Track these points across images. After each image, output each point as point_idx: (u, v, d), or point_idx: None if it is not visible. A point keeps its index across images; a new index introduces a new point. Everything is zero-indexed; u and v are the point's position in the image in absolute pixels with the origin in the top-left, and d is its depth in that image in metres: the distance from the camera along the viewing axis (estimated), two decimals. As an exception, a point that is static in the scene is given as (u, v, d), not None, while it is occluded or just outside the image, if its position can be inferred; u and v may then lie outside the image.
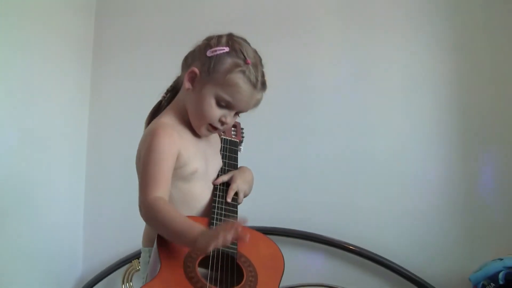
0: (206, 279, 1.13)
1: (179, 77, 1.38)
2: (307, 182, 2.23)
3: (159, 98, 1.41)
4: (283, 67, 2.25)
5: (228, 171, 1.41)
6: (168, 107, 1.37)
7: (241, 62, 1.24)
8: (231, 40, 1.28)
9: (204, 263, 1.17)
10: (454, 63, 2.17)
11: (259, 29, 2.30)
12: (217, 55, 1.25)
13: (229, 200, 1.33)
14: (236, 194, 1.36)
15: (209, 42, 1.29)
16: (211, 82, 1.25)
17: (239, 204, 1.35)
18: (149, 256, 1.29)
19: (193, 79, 1.28)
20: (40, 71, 2.23)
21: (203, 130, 1.31)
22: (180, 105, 1.34)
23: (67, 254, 2.38)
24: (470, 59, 2.15)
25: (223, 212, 1.28)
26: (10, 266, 2.02)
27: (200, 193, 1.32)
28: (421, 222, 2.10)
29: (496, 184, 2.06)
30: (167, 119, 1.31)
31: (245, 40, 1.31)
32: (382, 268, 2.07)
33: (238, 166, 1.45)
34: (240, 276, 1.17)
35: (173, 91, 1.40)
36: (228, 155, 1.45)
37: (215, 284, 1.12)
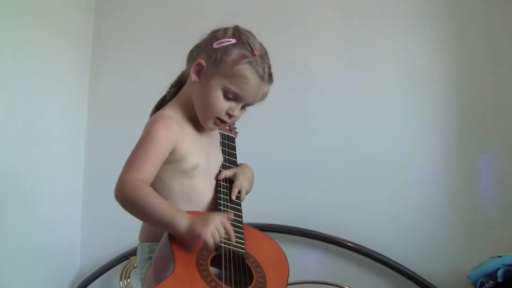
0: (218, 278, 1.12)
1: (183, 71, 1.37)
2: (305, 179, 2.23)
3: (164, 93, 1.40)
4: (282, 63, 2.23)
5: (229, 166, 1.40)
6: (172, 100, 1.36)
7: (248, 53, 1.23)
8: (238, 32, 1.27)
9: (214, 261, 1.16)
10: (453, 61, 2.17)
11: (258, 25, 2.26)
12: (223, 46, 1.24)
13: (233, 197, 1.32)
14: (239, 192, 1.36)
15: (215, 34, 1.28)
16: (218, 73, 1.24)
17: (241, 201, 1.35)
18: (148, 252, 1.28)
19: (199, 71, 1.27)
20: (39, 67, 2.22)
21: (209, 124, 1.30)
22: (185, 98, 1.32)
23: (65, 251, 2.37)
24: (470, 57, 2.16)
25: (228, 210, 1.28)
26: (7, 262, 2.02)
27: (202, 189, 1.31)
28: (420, 219, 2.11)
29: (495, 182, 2.06)
30: (170, 112, 1.30)
31: (251, 33, 1.30)
32: (381, 266, 2.07)
33: (238, 163, 1.45)
34: (249, 276, 1.17)
35: (178, 85, 1.38)
36: (228, 151, 1.45)
37: (230, 284, 1.11)
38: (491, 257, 1.86)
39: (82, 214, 2.47)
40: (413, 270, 2.03)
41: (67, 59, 2.43)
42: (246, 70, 1.22)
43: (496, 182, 2.06)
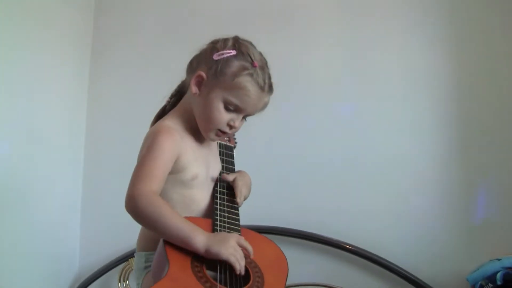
0: (214, 279, 1.12)
1: (184, 81, 1.37)
2: (306, 182, 2.23)
3: (163, 103, 1.40)
4: (281, 65, 2.23)
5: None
6: (172, 111, 1.35)
7: (248, 65, 1.23)
8: (238, 43, 1.27)
9: (210, 264, 1.16)
10: (453, 62, 2.17)
11: (257, 27, 2.30)
12: (224, 58, 1.24)
13: (239, 201, 1.33)
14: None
15: (215, 45, 1.27)
16: (219, 85, 1.24)
17: (238, 207, 1.35)
18: (145, 262, 1.28)
19: (200, 83, 1.27)
20: (38, 67, 2.22)
21: (211, 135, 1.30)
22: (185, 109, 1.32)
23: (64, 252, 2.37)
24: (470, 58, 2.16)
25: (225, 214, 1.28)
26: (6, 264, 2.01)
27: (200, 198, 1.32)
28: (419, 222, 2.10)
29: (495, 184, 2.06)
30: (171, 122, 1.30)
31: (251, 43, 1.30)
32: (380, 268, 2.07)
33: (236, 170, 1.45)
34: (246, 277, 1.17)
35: (178, 95, 1.38)
36: (226, 160, 1.45)
37: (225, 285, 1.12)
38: (490, 260, 1.86)
39: (81, 216, 2.46)
40: (412, 272, 2.03)
41: (67, 60, 2.43)
42: (247, 82, 1.22)
43: (495, 185, 2.06)
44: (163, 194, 1.25)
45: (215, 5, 2.44)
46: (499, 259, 1.83)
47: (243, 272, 1.16)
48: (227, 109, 1.25)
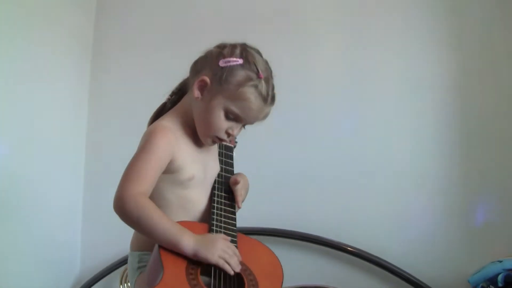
0: (208, 285, 1.12)
1: (186, 79, 1.36)
2: (306, 184, 2.22)
3: (163, 100, 1.39)
4: (282, 69, 2.23)
5: (225, 175, 1.40)
6: (171, 110, 1.35)
7: (253, 75, 1.22)
8: (245, 51, 1.25)
9: (205, 271, 1.16)
10: (453, 64, 2.17)
11: (257, 29, 2.30)
12: (230, 66, 1.23)
13: (240, 205, 1.34)
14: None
15: (222, 51, 1.25)
16: (222, 93, 1.23)
17: (238, 209, 1.35)
18: (138, 262, 1.28)
19: (203, 88, 1.26)
20: (39, 68, 2.22)
21: (208, 141, 1.30)
22: (185, 109, 1.32)
23: (65, 255, 2.37)
24: (469, 60, 2.15)
25: (222, 219, 1.27)
26: (7, 267, 2.01)
27: (197, 199, 1.31)
28: (420, 224, 2.10)
29: (496, 186, 2.06)
30: (168, 123, 1.29)
31: (258, 52, 1.28)
32: (381, 270, 2.07)
33: (235, 172, 1.44)
34: (241, 284, 1.17)
35: (179, 93, 1.38)
36: (225, 160, 1.44)
37: None
38: (492, 262, 1.85)
39: (82, 218, 2.47)
40: (413, 274, 2.02)
41: (68, 61, 2.44)
42: (250, 94, 1.22)
43: (496, 186, 2.06)
44: (159, 194, 1.25)
45: (215, 7, 2.45)
46: (501, 261, 1.82)
47: (237, 270, 1.16)
48: (227, 117, 1.25)
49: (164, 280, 1.08)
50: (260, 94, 1.22)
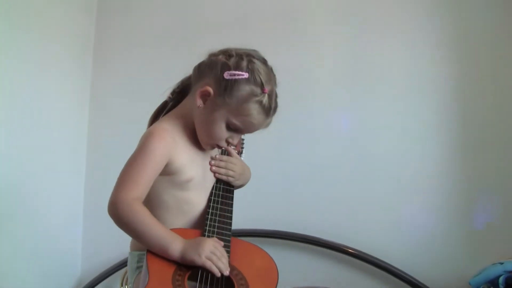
0: None
1: (187, 78, 1.35)
2: (308, 186, 2.22)
3: (165, 97, 1.39)
4: (284, 71, 2.24)
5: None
6: (171, 112, 1.35)
7: (258, 91, 1.21)
8: (251, 64, 1.23)
9: (193, 276, 1.15)
10: (454, 64, 2.16)
11: (259, 31, 2.30)
12: (234, 79, 1.21)
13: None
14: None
15: (228, 62, 1.23)
16: (225, 107, 1.22)
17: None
18: (137, 261, 1.29)
19: (205, 97, 1.25)
20: (40, 69, 2.23)
21: (208, 147, 1.32)
22: (185, 112, 1.31)
23: (66, 256, 2.37)
24: (471, 60, 2.15)
25: (216, 224, 1.27)
26: (9, 267, 2.02)
27: (196, 202, 1.31)
28: (421, 226, 2.09)
29: (497, 187, 2.05)
30: (168, 125, 1.29)
31: (264, 61, 1.27)
32: (382, 272, 2.07)
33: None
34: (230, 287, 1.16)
35: (180, 93, 1.37)
36: None
37: None
38: (493, 264, 1.85)
39: (83, 220, 2.47)
40: (414, 276, 2.02)
41: (69, 61, 2.45)
42: (254, 110, 1.22)
43: (497, 187, 2.05)
44: (156, 196, 1.25)
45: (216, 8, 2.45)
46: (502, 263, 1.82)
47: (226, 272, 1.15)
48: (228, 128, 1.25)
49: (149, 286, 1.08)
50: (263, 109, 1.22)
